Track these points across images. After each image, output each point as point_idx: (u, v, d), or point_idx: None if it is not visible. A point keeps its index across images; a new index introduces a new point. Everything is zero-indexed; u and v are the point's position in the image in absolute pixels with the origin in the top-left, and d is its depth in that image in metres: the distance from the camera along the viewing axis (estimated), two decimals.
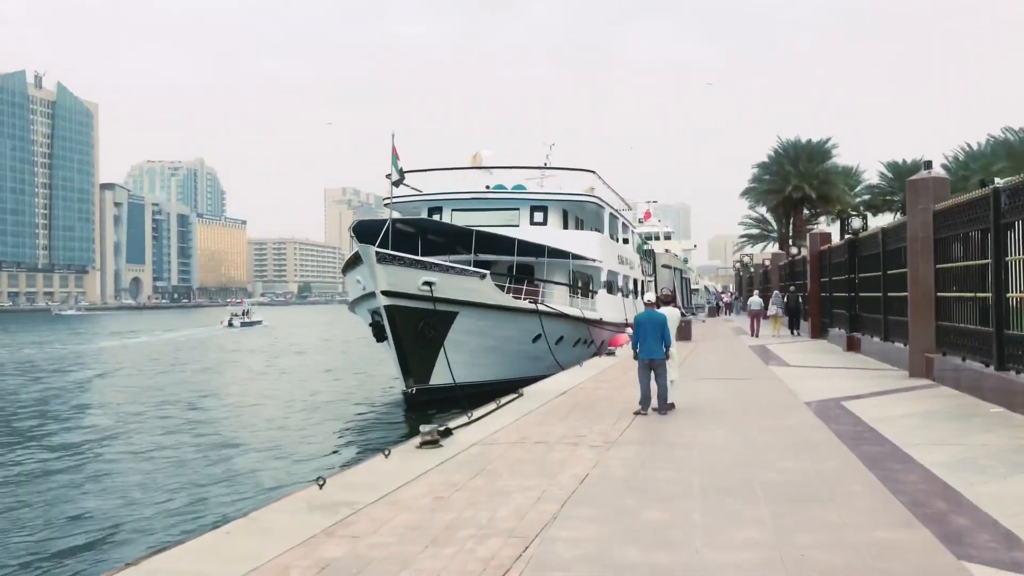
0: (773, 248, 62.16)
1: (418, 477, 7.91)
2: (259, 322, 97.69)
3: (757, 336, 30.84)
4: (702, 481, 7.49)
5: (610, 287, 34.29)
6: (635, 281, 41.61)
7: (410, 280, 21.90)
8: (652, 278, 54.84)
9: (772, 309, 32.52)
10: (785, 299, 33.09)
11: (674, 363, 12.54)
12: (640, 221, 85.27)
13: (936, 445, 8.91)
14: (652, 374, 11.82)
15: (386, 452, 8.95)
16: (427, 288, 22.00)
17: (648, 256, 54.56)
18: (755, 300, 33.47)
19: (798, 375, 16.88)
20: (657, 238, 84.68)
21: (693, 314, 64.93)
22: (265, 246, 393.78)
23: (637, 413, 11.73)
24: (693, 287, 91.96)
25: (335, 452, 17.41)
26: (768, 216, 66.44)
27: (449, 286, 22.60)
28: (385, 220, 23.54)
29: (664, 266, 65.43)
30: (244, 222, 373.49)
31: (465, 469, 8.22)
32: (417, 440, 9.54)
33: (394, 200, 32.00)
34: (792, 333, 31.86)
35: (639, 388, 11.90)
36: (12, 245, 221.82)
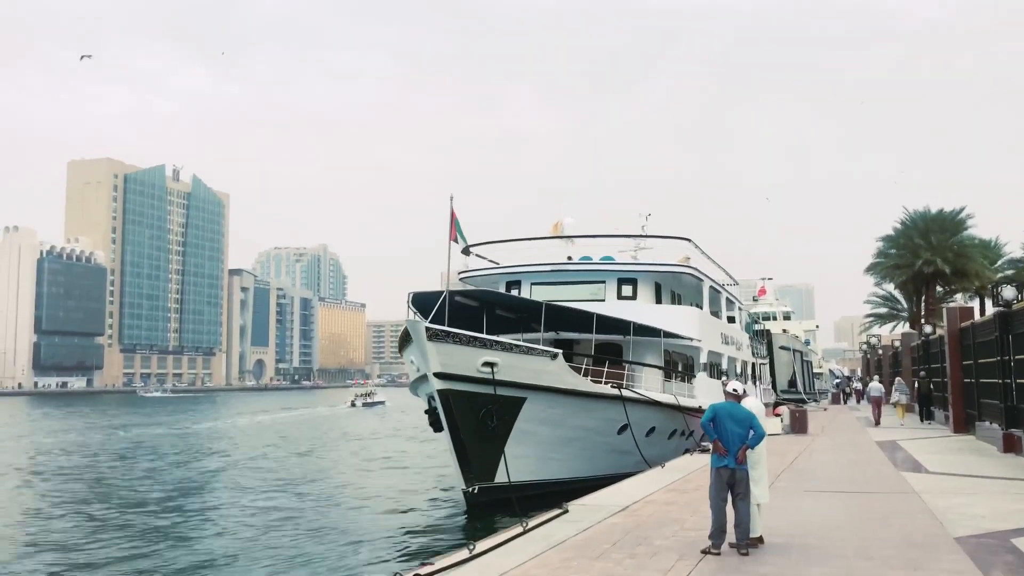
0: (903, 328, 56.64)
1: None
2: (382, 402, 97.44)
3: (878, 424, 28.12)
4: None
5: (713, 370, 30.48)
6: (743, 364, 37.41)
7: (468, 360, 19.05)
8: (766, 361, 50.25)
9: (895, 396, 29.97)
10: (916, 384, 30.19)
11: (763, 476, 9.10)
12: (754, 299, 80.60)
13: None
14: (730, 493, 8.47)
15: None
16: (488, 370, 19.11)
17: (760, 337, 50.03)
18: (875, 386, 30.78)
19: (941, 488, 12.92)
20: (774, 318, 79.64)
21: (816, 400, 59.52)
22: (383, 328, 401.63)
23: (706, 551, 8.34)
24: (816, 370, 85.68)
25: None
26: (896, 293, 61.01)
27: (514, 367, 19.61)
28: (443, 292, 20.95)
29: (782, 347, 60.47)
30: (364, 305, 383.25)
31: None
32: None
33: (469, 274, 29.61)
34: (922, 422, 28.61)
35: (711, 513, 8.54)
36: (147, 328, 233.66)
